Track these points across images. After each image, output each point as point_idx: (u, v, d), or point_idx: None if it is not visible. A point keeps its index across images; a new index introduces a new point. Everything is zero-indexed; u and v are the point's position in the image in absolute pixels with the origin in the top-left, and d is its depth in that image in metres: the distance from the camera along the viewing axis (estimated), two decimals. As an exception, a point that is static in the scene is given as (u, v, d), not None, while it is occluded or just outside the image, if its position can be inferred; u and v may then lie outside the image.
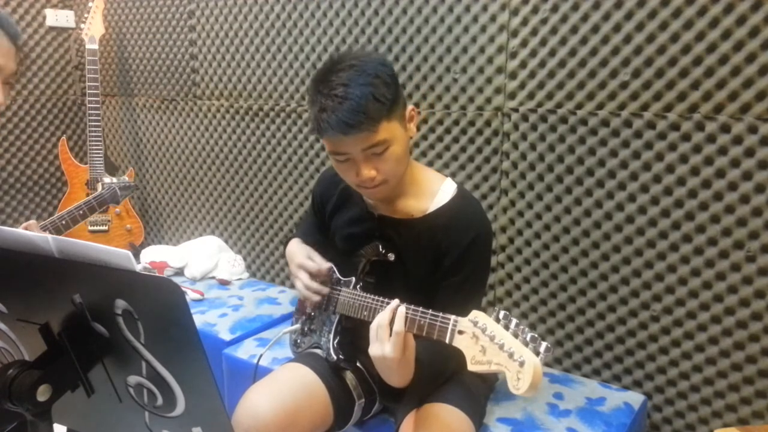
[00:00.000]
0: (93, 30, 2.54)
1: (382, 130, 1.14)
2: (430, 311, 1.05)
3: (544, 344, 0.86)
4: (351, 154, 1.17)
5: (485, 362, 0.90)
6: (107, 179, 1.77)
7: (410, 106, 1.24)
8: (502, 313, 0.92)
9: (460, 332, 0.97)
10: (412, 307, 1.08)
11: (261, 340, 1.87)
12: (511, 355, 0.86)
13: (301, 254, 1.39)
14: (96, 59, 2.53)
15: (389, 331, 1.08)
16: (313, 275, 1.35)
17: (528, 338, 0.87)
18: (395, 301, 1.10)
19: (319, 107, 1.14)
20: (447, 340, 1.00)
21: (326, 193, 1.45)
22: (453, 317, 1.00)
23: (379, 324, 1.09)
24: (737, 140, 1.41)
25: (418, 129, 1.82)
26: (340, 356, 1.32)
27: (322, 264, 1.35)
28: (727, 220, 1.46)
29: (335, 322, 1.34)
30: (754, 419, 1.50)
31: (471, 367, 0.93)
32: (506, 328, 0.90)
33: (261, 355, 1.55)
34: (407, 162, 1.25)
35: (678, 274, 1.54)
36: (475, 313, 0.96)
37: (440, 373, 1.29)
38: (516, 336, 0.88)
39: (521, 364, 0.85)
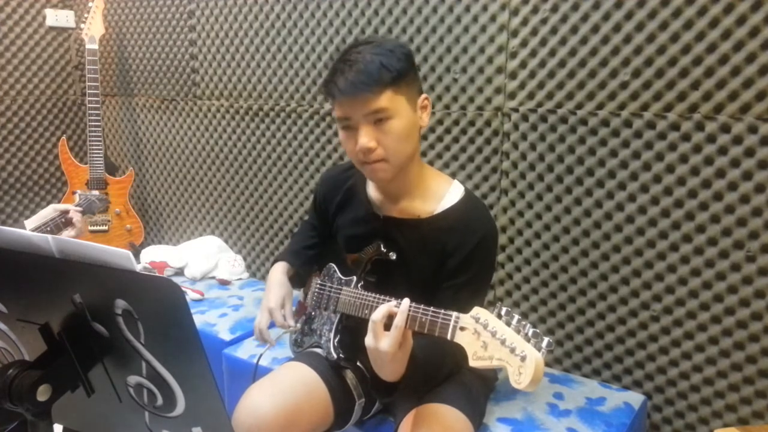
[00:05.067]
0: (93, 30, 2.54)
1: (385, 97, 1.16)
2: (432, 308, 1.04)
3: (546, 339, 0.86)
4: (354, 120, 1.18)
5: (487, 358, 0.90)
6: (81, 192, 1.92)
7: (424, 95, 1.26)
8: (504, 310, 0.92)
9: (462, 329, 0.97)
10: (414, 304, 1.07)
11: (261, 340, 1.87)
12: (513, 350, 0.86)
13: (276, 297, 1.41)
14: (96, 59, 2.53)
15: (386, 324, 1.07)
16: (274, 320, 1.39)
17: (530, 334, 0.87)
18: (405, 301, 1.08)
19: (332, 71, 1.20)
20: (448, 337, 0.99)
21: (330, 192, 1.45)
22: (455, 314, 1.00)
23: (378, 318, 1.08)
24: (737, 140, 1.41)
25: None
26: (340, 355, 1.31)
27: (289, 321, 1.39)
28: (727, 220, 1.45)
29: (336, 321, 1.34)
30: (754, 419, 1.49)
31: (473, 363, 0.93)
32: (508, 324, 0.90)
33: (261, 355, 1.55)
34: (411, 147, 1.24)
35: (678, 274, 1.54)
36: (476, 310, 0.96)
37: (435, 373, 1.28)
38: (518, 332, 0.88)
39: (523, 359, 0.85)
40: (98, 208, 1.89)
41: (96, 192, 1.90)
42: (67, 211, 1.63)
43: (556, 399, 1.54)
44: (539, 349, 0.85)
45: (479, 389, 1.39)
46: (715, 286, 1.49)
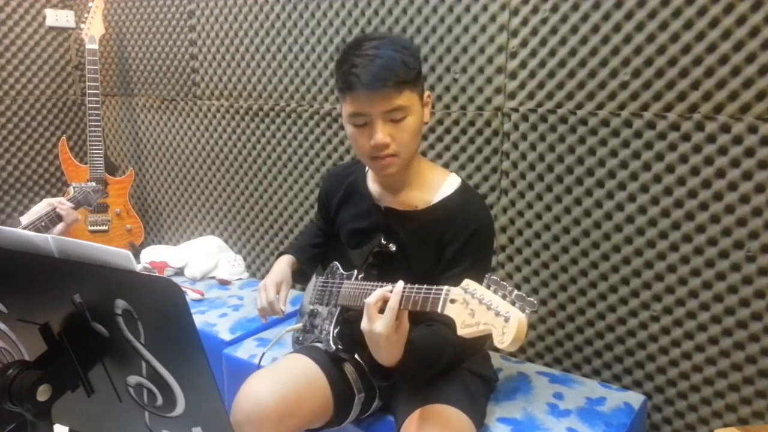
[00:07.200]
0: (93, 30, 2.54)
1: (405, 95, 1.19)
2: (425, 286, 1.04)
3: (529, 300, 0.88)
4: (371, 116, 1.19)
5: (474, 324, 0.92)
6: (75, 184, 1.90)
7: (427, 92, 1.28)
8: (492, 279, 0.93)
9: (452, 301, 0.98)
10: (408, 285, 1.07)
11: (261, 340, 1.87)
12: (497, 313, 0.88)
13: (273, 279, 1.41)
14: (96, 59, 2.53)
15: (380, 307, 1.07)
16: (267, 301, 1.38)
17: (515, 298, 0.89)
18: (399, 283, 1.08)
19: (350, 65, 1.18)
20: (439, 309, 0.99)
21: (332, 188, 1.48)
22: (446, 287, 1.00)
23: (372, 301, 1.08)
24: (737, 140, 1.41)
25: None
26: (339, 346, 1.32)
27: (280, 307, 1.38)
28: (727, 220, 1.45)
29: (336, 314, 1.35)
30: (754, 419, 1.49)
31: (460, 331, 0.94)
32: (495, 292, 0.92)
33: (263, 355, 1.55)
34: (419, 142, 1.28)
35: (678, 274, 1.54)
36: (466, 282, 0.97)
37: (434, 361, 1.26)
38: (504, 297, 0.90)
39: (507, 319, 0.86)
40: (94, 199, 1.86)
41: (92, 183, 1.88)
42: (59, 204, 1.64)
43: (556, 399, 1.54)
44: (523, 310, 0.87)
45: (480, 389, 1.39)
46: (715, 286, 1.49)
